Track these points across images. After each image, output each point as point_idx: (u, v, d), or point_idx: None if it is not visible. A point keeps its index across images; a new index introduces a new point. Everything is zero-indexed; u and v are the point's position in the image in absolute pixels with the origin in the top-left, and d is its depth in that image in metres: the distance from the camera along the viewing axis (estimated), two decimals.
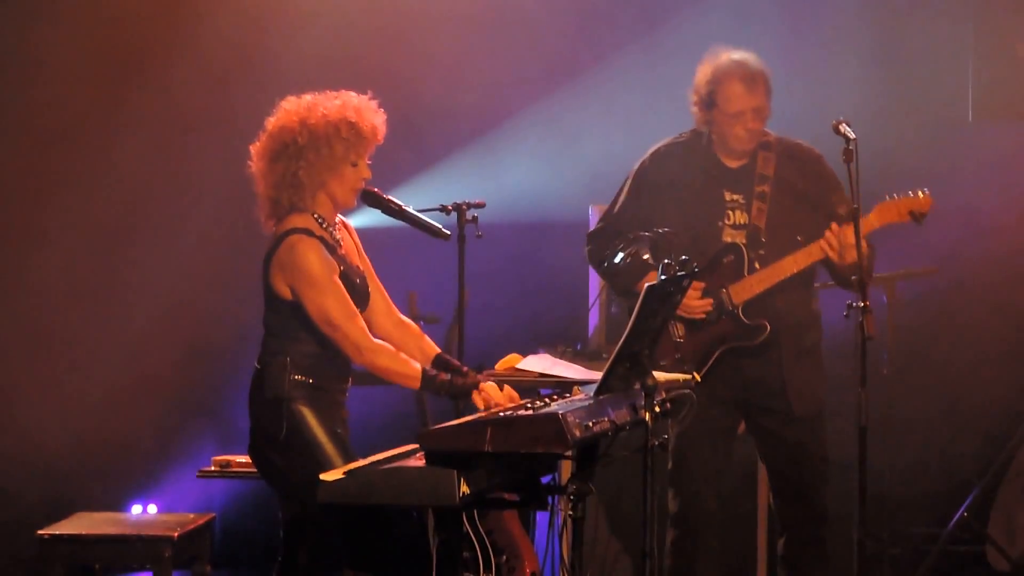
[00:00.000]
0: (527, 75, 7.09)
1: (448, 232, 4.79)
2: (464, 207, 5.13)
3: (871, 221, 5.21)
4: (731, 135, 5.31)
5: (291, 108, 4.48)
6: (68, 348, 6.95)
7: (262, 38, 6.96)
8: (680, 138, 5.47)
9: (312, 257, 4.37)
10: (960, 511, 6.38)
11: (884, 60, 6.98)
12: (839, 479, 5.55)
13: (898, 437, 6.64)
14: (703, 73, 5.33)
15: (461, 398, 4.44)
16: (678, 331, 5.35)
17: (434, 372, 4.44)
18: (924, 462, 6.87)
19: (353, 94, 4.51)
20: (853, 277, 5.10)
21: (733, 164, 5.38)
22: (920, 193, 5.22)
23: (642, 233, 5.40)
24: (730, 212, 5.36)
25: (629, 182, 5.49)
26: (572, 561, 4.63)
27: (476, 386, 4.41)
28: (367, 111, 4.48)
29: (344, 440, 4.46)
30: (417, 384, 4.41)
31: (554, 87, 7.10)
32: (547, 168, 7.03)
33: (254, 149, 4.52)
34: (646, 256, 5.35)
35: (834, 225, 5.18)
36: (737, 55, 5.32)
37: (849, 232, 5.11)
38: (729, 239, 5.32)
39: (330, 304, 4.37)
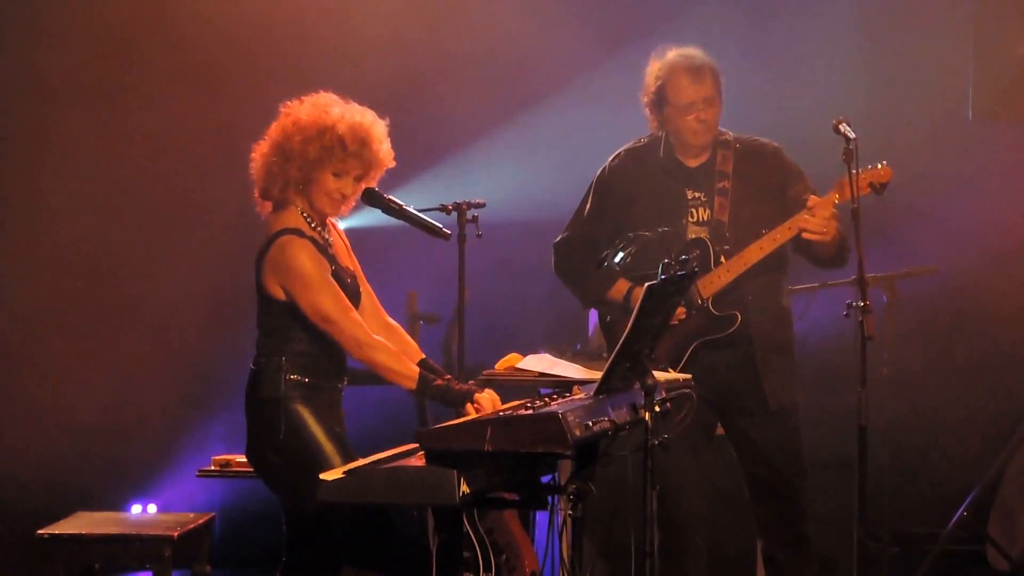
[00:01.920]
0: (528, 74, 7.09)
1: (448, 232, 4.78)
2: (464, 207, 5.13)
3: (833, 196, 5.20)
4: (685, 129, 5.34)
5: (308, 101, 4.51)
6: (69, 349, 6.95)
7: (262, 41, 6.97)
8: (639, 142, 5.52)
9: (303, 257, 4.38)
10: (960, 511, 6.37)
11: (884, 60, 6.99)
12: (839, 479, 5.55)
13: (898, 437, 6.64)
14: (650, 72, 5.40)
15: (454, 406, 4.42)
16: None
17: (431, 376, 4.43)
18: (924, 462, 6.86)
19: (359, 110, 4.50)
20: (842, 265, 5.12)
21: (693, 163, 5.41)
22: (879, 165, 5.22)
23: (643, 233, 5.41)
24: (693, 210, 5.38)
25: (592, 190, 5.53)
26: (572, 560, 4.63)
27: (471, 396, 4.39)
28: (365, 130, 4.47)
29: (343, 439, 4.46)
30: (413, 385, 4.40)
31: (555, 86, 7.10)
32: (547, 168, 7.02)
33: (256, 146, 4.54)
34: (616, 261, 5.37)
35: (812, 198, 5.17)
36: (682, 50, 5.37)
37: (821, 207, 5.11)
38: (693, 236, 5.35)
39: (324, 301, 4.37)
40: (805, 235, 5.16)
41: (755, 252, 5.27)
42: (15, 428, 6.84)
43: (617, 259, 5.44)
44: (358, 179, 4.51)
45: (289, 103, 4.53)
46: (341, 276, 4.49)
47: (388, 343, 4.45)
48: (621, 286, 5.38)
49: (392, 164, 4.56)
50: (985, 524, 6.50)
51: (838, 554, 6.05)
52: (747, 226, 5.31)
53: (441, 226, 4.75)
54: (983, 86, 6.92)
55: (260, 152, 4.50)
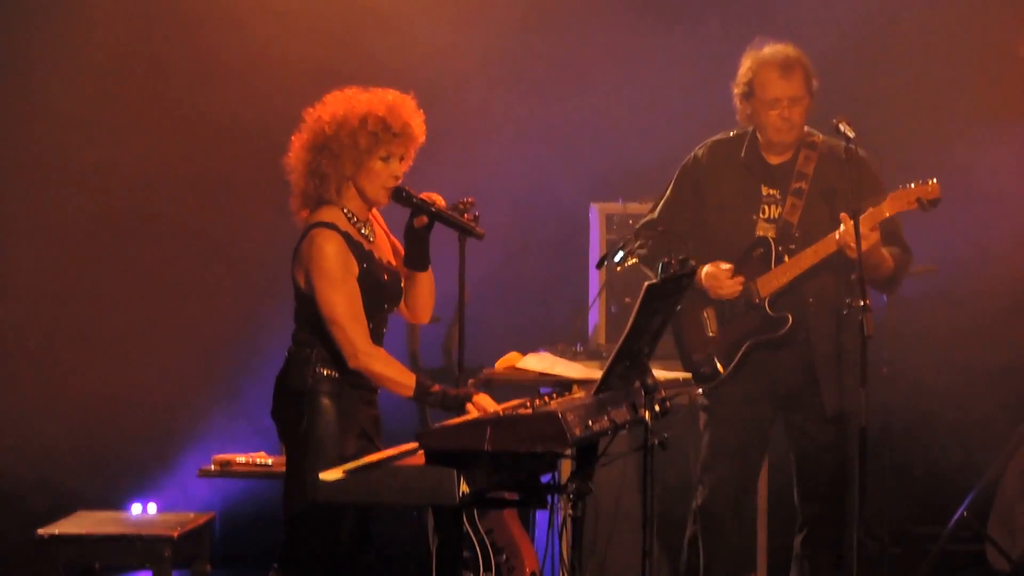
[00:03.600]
0: (528, 74, 7.09)
1: (483, 231, 4.64)
2: (462, 206, 5.11)
3: (883, 209, 5.21)
4: (768, 124, 5.34)
5: (329, 100, 4.48)
6: (68, 348, 6.95)
7: (264, 41, 6.98)
8: (729, 134, 5.53)
9: (329, 251, 4.36)
10: (960, 511, 6.37)
11: (884, 60, 6.98)
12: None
13: (898, 437, 6.63)
14: (744, 63, 5.41)
15: (453, 410, 4.40)
16: (711, 326, 5.40)
17: (428, 382, 4.40)
18: (924, 462, 6.86)
19: (391, 90, 4.49)
20: (877, 277, 5.15)
21: (775, 160, 5.42)
22: (930, 182, 5.23)
23: (644, 237, 5.43)
24: (765, 206, 5.40)
25: (676, 175, 5.57)
26: (572, 560, 4.63)
27: (469, 398, 4.35)
28: (400, 107, 4.44)
29: (355, 452, 4.35)
30: (411, 393, 4.37)
31: (556, 86, 7.10)
32: (548, 167, 7.02)
33: (295, 140, 4.50)
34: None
35: (844, 216, 5.17)
36: (778, 45, 5.37)
37: (862, 224, 5.12)
38: (761, 232, 5.36)
39: (337, 300, 4.35)
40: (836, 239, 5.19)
41: (809, 256, 5.28)
42: (15, 428, 6.83)
43: (617, 258, 5.45)
44: (401, 159, 4.48)
45: (310, 108, 4.50)
46: (376, 274, 4.46)
47: (384, 352, 4.43)
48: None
49: (423, 138, 4.52)
50: (985, 524, 6.50)
51: (838, 554, 6.04)
52: (816, 229, 5.30)
53: (474, 225, 4.68)
54: (983, 86, 6.92)
55: (298, 158, 4.47)
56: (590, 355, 6.13)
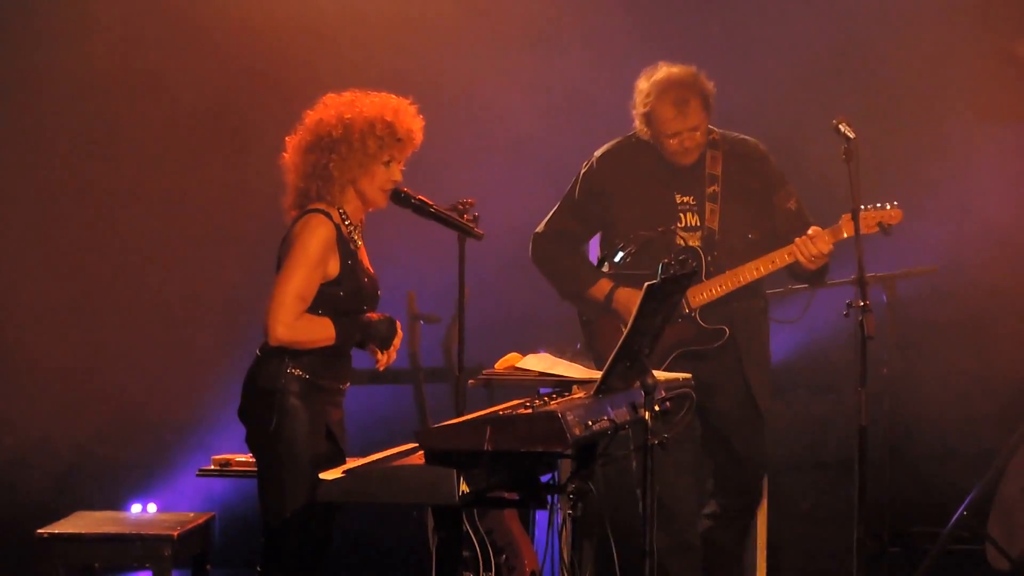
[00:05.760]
0: (528, 74, 7.09)
1: (482, 232, 4.68)
2: (461, 207, 5.11)
3: (839, 230, 5.24)
4: (668, 151, 5.37)
5: (330, 103, 4.49)
6: (68, 349, 6.96)
7: (274, 37, 6.99)
8: (628, 140, 5.50)
9: (319, 234, 4.36)
10: (960, 511, 6.37)
11: (884, 60, 6.98)
12: (840, 479, 5.55)
13: (898, 437, 6.64)
14: (640, 89, 5.39)
15: (380, 333, 4.45)
16: None
17: (348, 326, 4.40)
18: (924, 462, 6.86)
19: (393, 95, 4.51)
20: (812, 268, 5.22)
21: (681, 166, 5.39)
22: (889, 206, 5.24)
23: (642, 232, 5.41)
24: (682, 215, 5.39)
25: (577, 183, 5.54)
26: (572, 560, 4.64)
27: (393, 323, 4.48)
28: (404, 113, 4.48)
29: (326, 453, 4.38)
30: (334, 340, 4.36)
31: (556, 86, 7.10)
32: (548, 167, 7.01)
33: (290, 141, 4.51)
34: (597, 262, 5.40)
35: (814, 228, 5.19)
36: (671, 72, 5.33)
37: (821, 241, 5.14)
38: (683, 243, 5.35)
39: (297, 276, 4.32)
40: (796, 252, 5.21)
41: (751, 272, 5.30)
42: (16, 427, 6.84)
43: (617, 258, 5.45)
44: (399, 163, 4.50)
45: (310, 111, 4.50)
46: (357, 274, 4.47)
47: (303, 320, 4.36)
48: (603, 285, 5.41)
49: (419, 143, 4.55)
50: (985, 524, 6.50)
51: (838, 554, 6.05)
52: (734, 231, 5.34)
53: (474, 226, 4.67)
54: (983, 86, 6.93)
55: (299, 159, 4.46)
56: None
